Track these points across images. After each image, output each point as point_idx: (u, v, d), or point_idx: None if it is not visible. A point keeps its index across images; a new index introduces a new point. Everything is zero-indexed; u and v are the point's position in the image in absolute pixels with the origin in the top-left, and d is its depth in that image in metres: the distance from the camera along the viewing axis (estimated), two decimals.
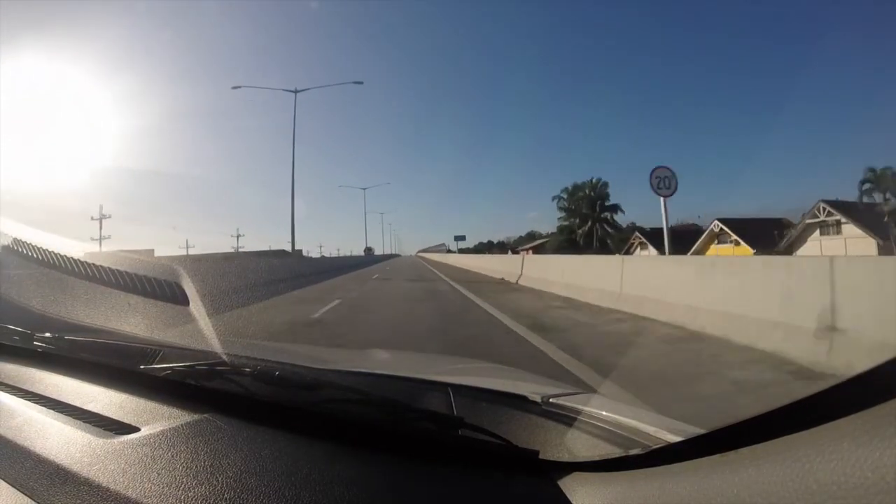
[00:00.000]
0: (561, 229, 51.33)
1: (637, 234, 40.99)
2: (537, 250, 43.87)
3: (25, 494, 0.62)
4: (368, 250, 62.62)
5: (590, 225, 47.87)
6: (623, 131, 78.57)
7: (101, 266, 1.73)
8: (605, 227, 47.73)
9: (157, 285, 1.64)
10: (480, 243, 63.56)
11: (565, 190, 51.05)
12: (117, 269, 1.72)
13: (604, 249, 42.01)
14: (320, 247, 71.84)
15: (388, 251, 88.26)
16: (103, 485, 0.62)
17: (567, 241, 47.64)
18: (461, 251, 57.32)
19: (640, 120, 79.19)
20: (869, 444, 0.35)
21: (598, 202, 48.35)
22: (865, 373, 0.38)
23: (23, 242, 1.89)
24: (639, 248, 39.44)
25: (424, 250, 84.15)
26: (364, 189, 52.48)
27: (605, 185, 48.95)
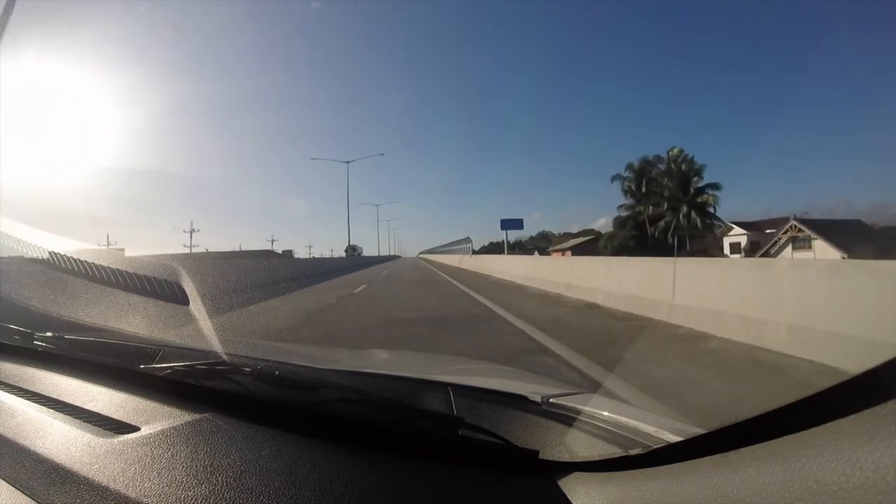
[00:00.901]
0: (622, 222, 37.35)
1: (794, 222, 26.44)
2: (579, 251, 34.01)
3: (25, 494, 0.62)
4: (352, 250, 46.40)
5: (683, 213, 33.56)
6: (626, 132, 78.39)
7: (102, 266, 1.74)
8: (703, 216, 33.59)
9: (157, 285, 1.65)
10: (492, 243, 48.20)
11: (629, 167, 36.49)
12: (117, 269, 1.73)
13: (693, 248, 29.74)
14: (309, 247, 62.47)
15: (384, 252, 74.96)
16: (103, 484, 0.62)
17: (634, 238, 34.94)
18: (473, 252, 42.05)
19: (642, 121, 79.12)
20: (869, 444, 0.35)
21: (695, 178, 33.76)
22: (865, 373, 0.38)
23: (23, 242, 1.90)
24: (790, 247, 25.94)
25: (429, 251, 66.70)
26: (347, 162, 36.91)
27: (691, 158, 34.51)
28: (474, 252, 28.84)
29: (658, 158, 36.25)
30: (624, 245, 34.25)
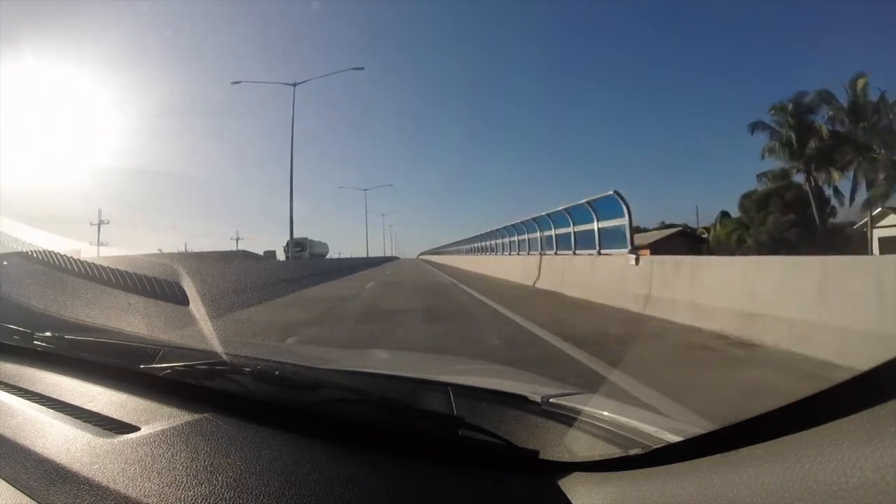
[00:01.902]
0: (761, 200, 23.32)
1: None
2: (665, 249, 19.23)
3: (25, 494, 0.62)
4: (297, 248, 29.62)
5: None
6: (628, 132, 78.26)
7: (102, 266, 1.74)
8: None
9: (157, 285, 1.65)
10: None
11: (778, 109, 22.54)
12: (117, 269, 1.73)
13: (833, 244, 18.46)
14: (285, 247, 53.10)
15: (375, 252, 61.30)
16: (103, 484, 0.62)
17: (795, 227, 21.62)
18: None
19: (642, 120, 79.06)
20: (869, 444, 0.35)
21: None
22: (865, 373, 0.38)
23: (23, 242, 1.90)
24: None
25: (434, 251, 53.29)
26: (294, 85, 21.10)
27: None
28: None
29: (826, 95, 21.38)
30: (779, 238, 20.79)
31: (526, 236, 12.92)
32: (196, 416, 0.80)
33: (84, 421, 0.81)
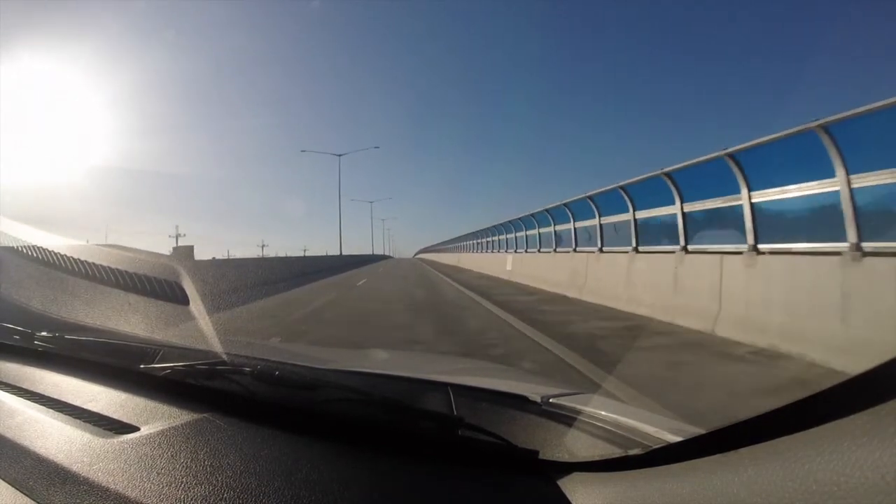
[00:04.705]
0: None
1: None
2: None
3: (25, 494, 0.62)
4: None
5: None
6: (628, 130, 78.31)
7: (101, 265, 1.74)
8: None
9: (157, 285, 1.64)
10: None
11: None
12: (117, 269, 1.73)
13: None
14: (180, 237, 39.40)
15: (363, 250, 54.49)
16: (103, 484, 0.62)
17: None
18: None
19: (643, 115, 79.15)
20: (869, 445, 0.35)
21: None
22: (865, 373, 0.38)
23: (22, 241, 1.90)
24: None
25: (432, 248, 50.75)
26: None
27: None
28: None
29: None
30: None
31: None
32: (196, 416, 0.80)
33: (84, 421, 0.81)
